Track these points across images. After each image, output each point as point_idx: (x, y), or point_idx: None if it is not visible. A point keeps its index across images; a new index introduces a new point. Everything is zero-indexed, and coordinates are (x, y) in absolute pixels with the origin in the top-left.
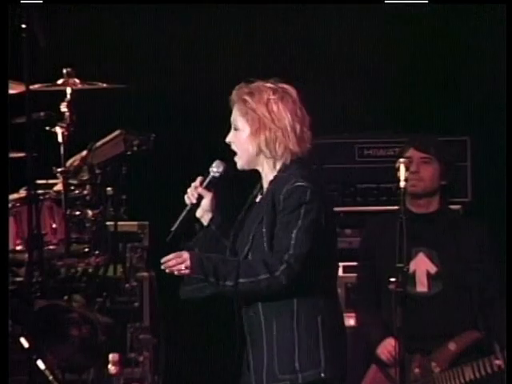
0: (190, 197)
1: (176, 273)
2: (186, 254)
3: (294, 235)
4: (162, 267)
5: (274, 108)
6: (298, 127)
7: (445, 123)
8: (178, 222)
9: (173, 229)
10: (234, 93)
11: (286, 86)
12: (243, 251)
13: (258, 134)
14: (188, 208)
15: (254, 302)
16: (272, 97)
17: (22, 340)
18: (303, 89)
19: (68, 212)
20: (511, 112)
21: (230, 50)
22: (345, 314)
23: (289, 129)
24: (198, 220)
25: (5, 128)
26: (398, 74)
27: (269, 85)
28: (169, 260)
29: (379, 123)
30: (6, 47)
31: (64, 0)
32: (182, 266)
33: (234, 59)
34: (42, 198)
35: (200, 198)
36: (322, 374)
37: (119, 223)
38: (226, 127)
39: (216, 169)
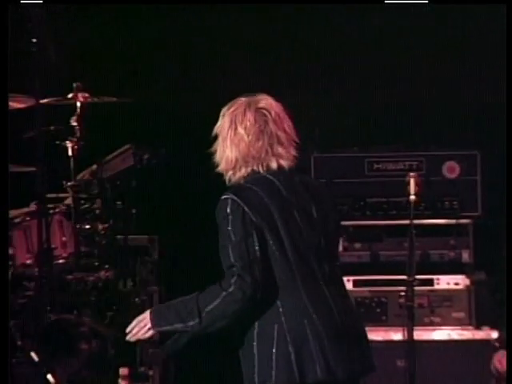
0: None
1: (142, 338)
2: (145, 314)
3: (230, 250)
4: (127, 338)
5: (231, 124)
6: (256, 143)
7: (455, 137)
8: None
9: None
10: None
11: (254, 99)
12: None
13: (223, 151)
14: None
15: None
16: (230, 111)
17: (32, 354)
18: (313, 103)
19: (78, 226)
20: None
21: (242, 62)
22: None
23: (242, 144)
24: None
25: (5, 142)
26: (408, 86)
27: (237, 100)
28: (132, 328)
29: (389, 137)
30: (5, 48)
31: (64, 0)
32: (146, 328)
33: (245, 73)
34: (51, 211)
35: None
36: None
37: (129, 237)
38: None
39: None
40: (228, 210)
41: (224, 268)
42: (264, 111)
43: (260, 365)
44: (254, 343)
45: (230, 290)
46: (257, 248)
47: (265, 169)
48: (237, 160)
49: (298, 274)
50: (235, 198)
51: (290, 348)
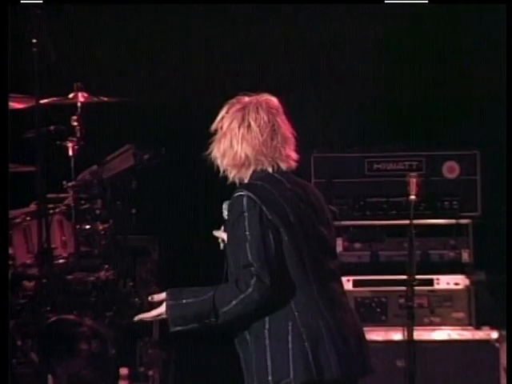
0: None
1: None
2: (162, 309)
3: (247, 248)
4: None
5: (243, 120)
6: (271, 142)
7: (455, 137)
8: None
9: None
10: None
11: (263, 98)
12: (224, 272)
13: (230, 147)
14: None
15: (240, 321)
16: (238, 108)
17: (33, 354)
18: (312, 103)
19: (78, 226)
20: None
21: (242, 62)
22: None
23: (255, 142)
24: None
25: (5, 142)
26: (408, 86)
27: (242, 98)
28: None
29: (389, 137)
30: (5, 48)
31: (64, 0)
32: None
33: (245, 73)
34: (52, 211)
35: (223, 241)
36: (292, 382)
37: (129, 237)
38: None
39: (227, 212)
40: (244, 207)
41: (237, 266)
42: (274, 111)
43: (274, 362)
44: (266, 341)
45: (248, 291)
46: (273, 247)
47: (275, 169)
48: (247, 157)
49: (311, 272)
50: (251, 195)
51: (306, 345)
